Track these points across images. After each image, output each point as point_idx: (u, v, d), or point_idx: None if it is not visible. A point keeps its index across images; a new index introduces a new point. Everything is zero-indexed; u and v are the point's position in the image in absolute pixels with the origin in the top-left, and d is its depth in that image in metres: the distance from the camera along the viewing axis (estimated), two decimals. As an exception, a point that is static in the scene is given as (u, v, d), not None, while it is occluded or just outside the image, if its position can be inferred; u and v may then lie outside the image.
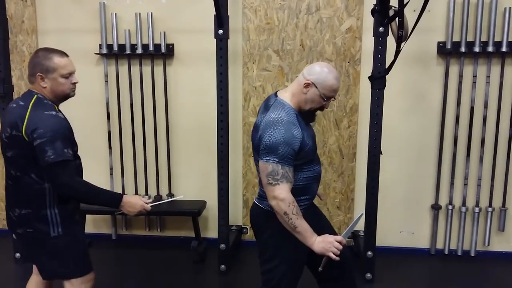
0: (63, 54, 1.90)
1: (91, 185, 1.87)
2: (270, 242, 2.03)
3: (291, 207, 1.78)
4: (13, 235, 2.04)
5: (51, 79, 1.85)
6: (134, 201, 1.95)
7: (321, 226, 2.04)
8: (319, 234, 1.87)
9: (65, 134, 1.80)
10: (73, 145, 1.89)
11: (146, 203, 1.99)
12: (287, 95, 1.93)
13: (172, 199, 2.08)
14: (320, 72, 1.87)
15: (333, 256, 1.79)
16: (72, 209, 1.94)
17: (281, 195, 1.78)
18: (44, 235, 1.86)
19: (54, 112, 1.83)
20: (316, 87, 1.86)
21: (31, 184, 1.83)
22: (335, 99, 1.98)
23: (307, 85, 1.87)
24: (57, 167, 1.75)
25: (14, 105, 1.88)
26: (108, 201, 1.92)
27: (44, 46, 1.93)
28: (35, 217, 1.85)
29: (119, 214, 2.01)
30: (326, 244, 1.80)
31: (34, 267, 2.11)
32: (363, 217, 2.08)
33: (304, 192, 1.96)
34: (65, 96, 1.95)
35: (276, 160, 1.79)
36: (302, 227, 1.81)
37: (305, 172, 1.93)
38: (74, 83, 1.93)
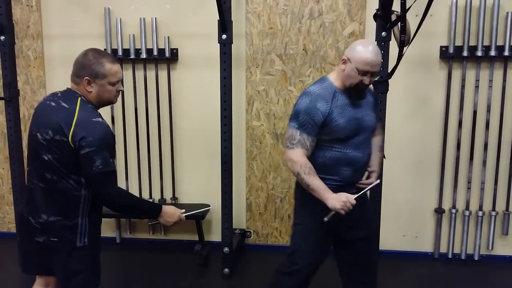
0: (114, 59, 1.82)
1: (133, 196, 1.90)
2: (295, 210, 2.20)
3: (303, 168, 1.95)
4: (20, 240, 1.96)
5: (99, 85, 1.78)
6: (172, 212, 1.96)
7: (359, 218, 2.08)
8: (356, 228, 2.07)
9: (111, 144, 1.76)
10: (115, 154, 1.84)
11: (181, 213, 2.01)
12: (333, 74, 2.08)
13: (202, 210, 2.14)
14: (354, 47, 1.97)
15: (341, 212, 1.90)
16: (98, 217, 1.90)
17: (295, 158, 1.97)
18: (69, 244, 1.79)
19: (100, 119, 1.76)
20: (351, 62, 1.95)
21: (69, 190, 1.75)
22: (375, 74, 1.97)
23: (344, 62, 1.99)
24: (105, 178, 1.71)
25: (54, 105, 1.78)
26: (149, 212, 1.93)
27: (94, 47, 1.85)
28: (64, 225, 1.77)
29: (155, 223, 2.03)
30: (338, 201, 1.90)
31: (38, 278, 2.03)
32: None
33: (331, 172, 2.02)
34: (109, 103, 1.88)
35: (296, 126, 1.98)
36: (315, 185, 1.95)
37: (334, 151, 2.01)
38: (119, 91, 1.86)
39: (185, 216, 2.04)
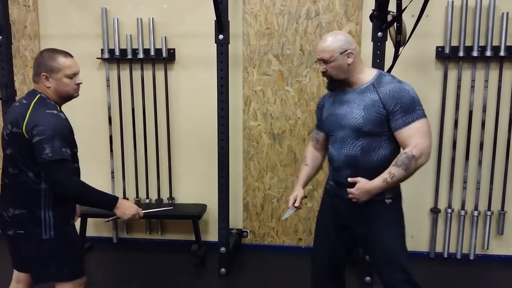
0: (68, 54, 1.90)
1: (87, 185, 1.85)
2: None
3: (303, 156, 2.26)
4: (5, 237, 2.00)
5: (56, 79, 1.86)
6: (129, 205, 1.94)
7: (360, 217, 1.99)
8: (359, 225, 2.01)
9: (64, 134, 1.81)
10: (72, 146, 1.88)
11: (141, 210, 1.97)
12: None
13: (164, 208, 2.10)
14: None
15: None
16: (66, 212, 1.93)
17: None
18: (35, 237, 1.84)
19: (55, 111, 1.84)
20: None
21: (28, 183, 1.82)
22: (327, 62, 1.91)
23: None
24: (54, 165, 1.74)
25: (17, 104, 1.89)
26: (103, 202, 1.90)
27: (48, 48, 1.95)
28: (28, 218, 1.83)
29: (112, 219, 1.98)
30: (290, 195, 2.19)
31: (15, 273, 2.07)
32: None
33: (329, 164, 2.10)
34: (69, 97, 1.95)
35: None
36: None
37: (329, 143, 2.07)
38: (78, 84, 1.94)
39: (145, 213, 2.01)
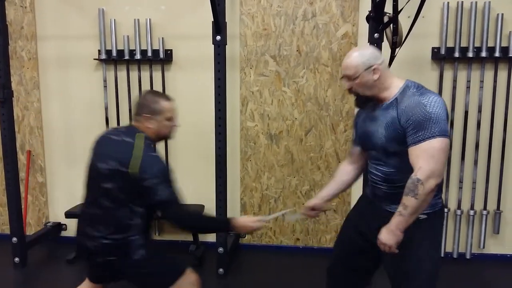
0: (169, 98, 2.03)
1: (198, 217, 2.07)
2: None
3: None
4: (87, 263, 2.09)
5: (157, 120, 1.96)
6: (243, 224, 2.00)
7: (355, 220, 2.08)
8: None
9: (170, 173, 1.92)
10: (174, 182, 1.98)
11: (256, 220, 2.03)
12: None
13: (282, 212, 2.16)
14: None
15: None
16: (150, 232, 2.05)
17: None
18: (128, 260, 1.90)
19: (158, 155, 1.94)
20: None
21: (122, 218, 1.88)
22: (352, 78, 1.84)
23: None
24: (170, 205, 1.86)
25: (117, 138, 1.93)
26: (219, 229, 2.06)
27: (151, 90, 2.10)
28: (118, 246, 1.89)
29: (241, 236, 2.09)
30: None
31: (89, 282, 2.13)
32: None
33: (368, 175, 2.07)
34: (166, 137, 2.08)
35: None
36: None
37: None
38: (175, 126, 2.06)
39: (264, 221, 2.07)
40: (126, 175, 1.83)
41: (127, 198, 1.86)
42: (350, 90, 1.88)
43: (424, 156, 1.66)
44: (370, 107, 1.91)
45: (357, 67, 1.81)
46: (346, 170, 2.14)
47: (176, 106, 2.05)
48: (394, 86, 1.83)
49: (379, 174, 1.89)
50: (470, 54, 3.19)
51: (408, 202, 1.67)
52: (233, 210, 3.60)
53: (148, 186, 1.82)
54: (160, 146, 3.61)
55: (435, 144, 1.65)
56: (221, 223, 2.08)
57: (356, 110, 2.09)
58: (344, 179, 2.13)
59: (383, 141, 1.80)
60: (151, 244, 1.99)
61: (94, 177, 1.94)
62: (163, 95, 2.05)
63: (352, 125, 2.22)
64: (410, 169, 1.69)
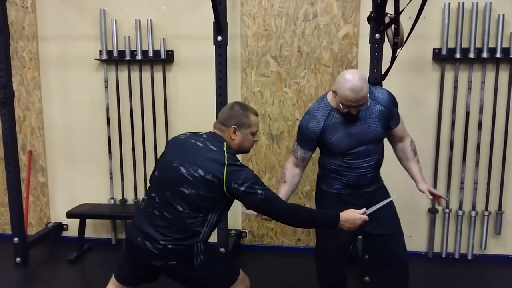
0: (256, 113, 2.07)
1: (304, 208, 2.05)
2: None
3: (282, 173, 2.36)
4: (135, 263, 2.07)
5: (243, 133, 1.99)
6: (352, 217, 1.93)
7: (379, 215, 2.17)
8: (378, 224, 2.21)
9: (259, 178, 1.91)
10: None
11: (363, 213, 1.95)
12: (330, 93, 2.20)
13: (388, 200, 2.14)
14: (339, 80, 2.07)
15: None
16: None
17: (286, 163, 2.37)
18: (188, 265, 1.91)
19: (242, 163, 1.94)
20: (337, 95, 2.09)
21: (193, 225, 1.88)
22: (361, 106, 2.07)
23: (333, 91, 2.13)
24: (269, 200, 1.86)
25: (201, 145, 1.93)
26: (326, 223, 1.98)
27: (239, 101, 2.15)
28: (181, 251, 1.89)
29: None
30: None
31: (117, 282, 2.14)
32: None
33: (339, 174, 2.25)
34: (246, 151, 2.10)
35: (296, 138, 2.32)
36: (279, 189, 2.33)
37: (337, 160, 2.23)
38: (255, 141, 2.08)
39: (368, 214, 1.99)
40: (215, 184, 1.83)
41: (206, 206, 1.87)
42: (356, 115, 2.12)
43: (405, 128, 2.35)
44: (341, 115, 2.16)
45: (368, 92, 2.06)
46: (295, 173, 2.33)
47: (259, 122, 2.09)
48: None
49: (369, 164, 2.22)
50: (471, 55, 3.19)
51: (418, 158, 2.37)
52: (234, 211, 3.58)
53: (244, 192, 1.83)
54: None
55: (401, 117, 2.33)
56: (329, 216, 1.95)
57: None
58: (295, 181, 2.34)
59: (381, 132, 2.20)
60: (209, 249, 1.99)
61: (172, 179, 1.90)
62: (252, 109, 2.06)
63: (304, 134, 2.25)
64: (383, 150, 2.30)
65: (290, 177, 2.31)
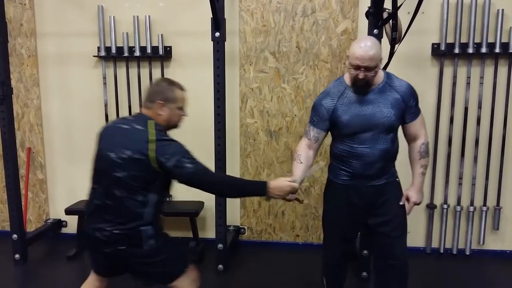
0: (183, 88, 2.04)
1: (234, 177, 2.06)
2: None
3: (295, 154, 2.25)
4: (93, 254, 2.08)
5: (170, 108, 1.97)
6: (280, 184, 1.96)
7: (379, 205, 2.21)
8: (377, 214, 2.22)
9: (189, 151, 1.91)
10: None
11: (290, 181, 2.00)
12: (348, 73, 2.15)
13: (317, 166, 2.21)
14: (352, 43, 2.07)
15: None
16: (160, 222, 2.02)
17: (298, 145, 2.27)
18: (137, 249, 1.90)
19: (173, 138, 1.94)
20: (348, 57, 2.06)
21: (133, 207, 1.87)
22: (369, 69, 1.99)
23: (346, 58, 2.10)
24: (199, 173, 1.86)
25: (127, 127, 1.92)
26: (254, 191, 1.99)
27: (165, 77, 2.11)
28: (129, 235, 1.89)
29: (268, 199, 2.04)
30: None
31: (95, 275, 2.11)
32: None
33: (343, 162, 2.20)
34: (174, 126, 2.06)
35: (309, 119, 2.25)
36: (292, 171, 2.21)
37: (344, 144, 2.17)
38: (183, 116, 2.06)
39: (298, 182, 2.02)
40: (144, 162, 1.82)
41: (141, 186, 1.86)
42: (362, 80, 2.02)
43: (423, 126, 2.22)
44: (355, 94, 2.12)
45: (377, 59, 2.00)
46: (309, 154, 2.24)
47: (186, 96, 2.06)
48: (379, 72, 2.13)
49: (376, 152, 2.12)
50: (470, 50, 3.18)
51: (426, 162, 2.22)
52: (233, 207, 3.60)
53: (173, 166, 1.82)
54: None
55: (423, 116, 2.24)
56: (258, 184, 2.02)
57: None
58: (309, 163, 2.24)
59: (392, 120, 2.11)
60: (161, 235, 1.99)
61: (105, 167, 1.91)
62: (178, 84, 2.04)
63: (317, 111, 2.19)
64: (395, 142, 2.18)
65: (305, 158, 2.20)
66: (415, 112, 2.19)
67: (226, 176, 1.97)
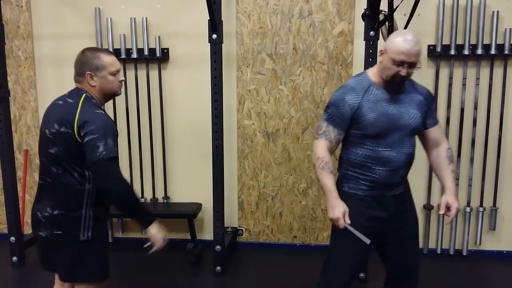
0: (110, 52, 1.93)
1: (133, 191, 1.90)
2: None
3: (319, 162, 1.95)
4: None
5: (100, 77, 1.87)
6: (157, 230, 1.92)
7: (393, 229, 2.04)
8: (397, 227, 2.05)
9: (114, 132, 1.83)
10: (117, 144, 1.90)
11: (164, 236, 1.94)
12: (373, 68, 2.01)
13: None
14: (391, 37, 1.90)
15: (335, 223, 1.92)
16: (104, 211, 1.93)
17: (315, 149, 1.98)
18: (73, 238, 1.83)
19: (103, 112, 1.86)
20: (387, 52, 1.87)
21: (71, 183, 1.81)
22: (413, 65, 1.85)
23: (381, 53, 1.92)
24: (108, 163, 1.74)
25: (61, 102, 1.88)
26: (142, 213, 1.90)
27: (89, 46, 1.95)
28: (68, 218, 1.82)
29: (147, 246, 1.94)
30: (333, 213, 1.91)
31: (56, 277, 2.05)
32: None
33: (365, 170, 1.96)
34: (113, 94, 1.96)
35: (325, 117, 1.98)
36: (324, 183, 1.95)
37: (365, 149, 1.95)
38: (121, 81, 1.95)
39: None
40: (70, 135, 1.77)
41: (75, 161, 1.80)
42: (404, 77, 1.87)
43: (442, 133, 2.12)
44: (382, 92, 1.94)
45: (420, 54, 1.88)
46: (331, 159, 2.01)
47: (117, 60, 1.93)
48: None
49: (402, 157, 1.95)
50: (466, 52, 3.20)
51: (454, 167, 2.08)
52: (230, 208, 3.61)
53: (86, 142, 1.74)
54: (157, 145, 3.62)
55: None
56: (150, 212, 1.92)
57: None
58: (334, 170, 2.02)
59: (419, 121, 1.97)
60: (100, 231, 1.90)
61: (42, 145, 1.88)
62: (103, 49, 1.94)
63: (342, 108, 1.93)
64: (415, 146, 2.02)
65: (332, 166, 1.96)
66: (436, 117, 2.08)
67: (131, 186, 1.84)
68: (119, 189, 1.80)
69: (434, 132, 2.06)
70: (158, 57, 3.46)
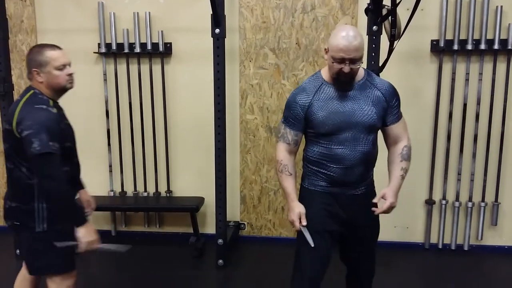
0: (55, 47, 1.91)
1: (70, 191, 1.89)
2: None
3: (278, 165, 2.01)
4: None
5: (46, 73, 1.87)
6: (93, 231, 1.90)
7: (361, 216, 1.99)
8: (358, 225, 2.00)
9: (51, 127, 1.79)
10: (63, 140, 1.88)
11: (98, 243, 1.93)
12: (326, 67, 1.94)
13: (118, 247, 2.08)
14: (332, 34, 1.84)
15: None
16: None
17: (276, 152, 2.03)
18: (29, 229, 1.89)
19: (44, 106, 1.85)
20: (329, 50, 1.84)
21: (21, 178, 1.88)
22: (355, 61, 1.79)
23: (326, 51, 1.87)
24: (41, 159, 1.74)
25: (14, 101, 1.95)
26: (75, 213, 1.88)
27: (39, 43, 2.00)
28: (22, 210, 1.89)
29: (65, 244, 1.89)
30: (293, 215, 1.97)
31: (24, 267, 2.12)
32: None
33: (321, 167, 1.95)
34: (62, 89, 1.94)
35: (282, 120, 2.01)
36: (284, 186, 2.01)
37: (320, 146, 1.94)
38: (70, 74, 1.92)
39: (101, 247, 1.95)
40: (11, 132, 1.83)
41: (20, 156, 1.84)
42: (347, 74, 1.82)
43: (405, 130, 2.02)
44: (333, 89, 1.91)
45: (363, 48, 1.81)
46: (293, 161, 2.02)
47: (64, 53, 1.91)
48: (360, 68, 1.91)
49: (356, 155, 1.91)
50: (469, 47, 3.19)
51: (407, 166, 2.00)
52: (233, 203, 3.62)
53: (23, 138, 1.75)
54: (160, 139, 3.63)
55: (405, 121, 2.04)
56: (82, 213, 1.93)
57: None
58: (295, 172, 2.04)
59: (374, 118, 1.91)
60: (57, 225, 1.89)
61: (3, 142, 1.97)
62: (48, 44, 1.91)
63: (291, 109, 1.94)
64: (375, 144, 1.98)
65: (292, 168, 1.99)
66: (397, 114, 1.99)
67: (65, 182, 1.82)
68: (49, 188, 1.80)
69: (394, 129, 1.99)
70: (161, 52, 3.47)
